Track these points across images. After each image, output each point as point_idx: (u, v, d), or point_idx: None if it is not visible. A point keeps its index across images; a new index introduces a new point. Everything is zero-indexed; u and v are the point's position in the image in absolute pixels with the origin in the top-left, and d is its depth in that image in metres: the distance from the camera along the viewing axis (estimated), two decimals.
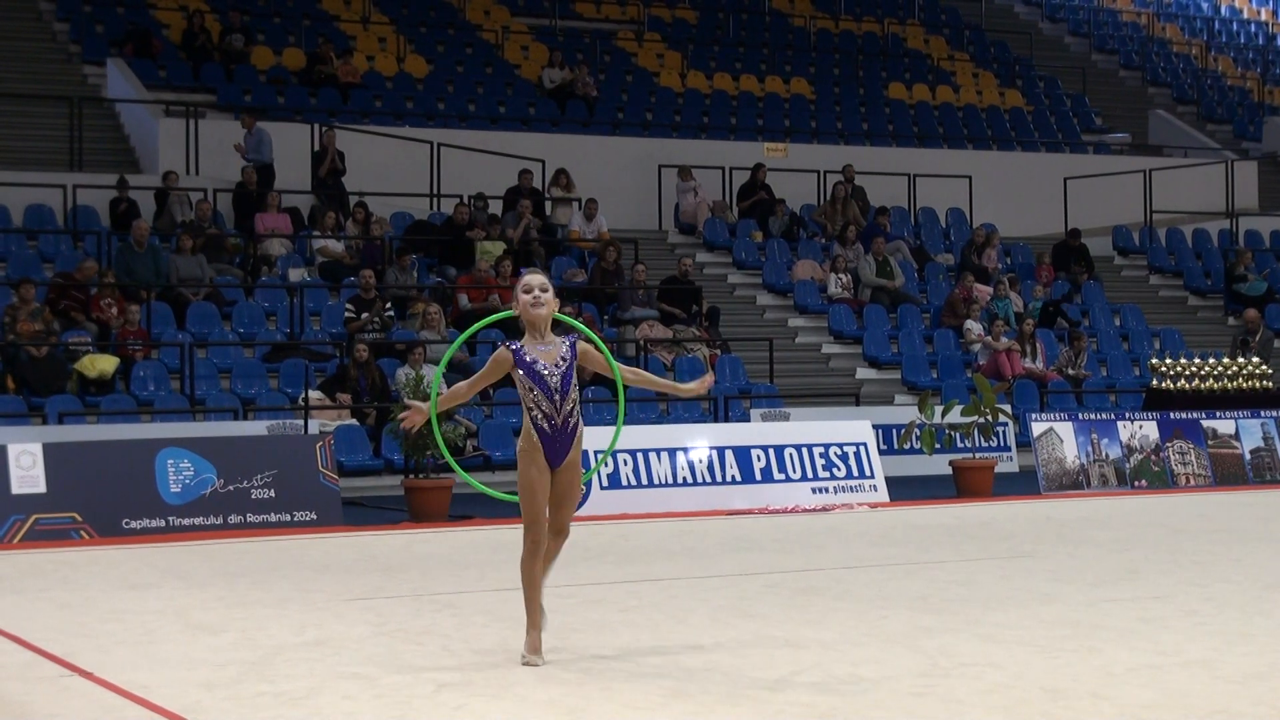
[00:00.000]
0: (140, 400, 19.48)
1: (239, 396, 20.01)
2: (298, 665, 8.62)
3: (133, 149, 26.69)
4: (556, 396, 8.65)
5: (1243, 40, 42.49)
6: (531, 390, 8.64)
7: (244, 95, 27.32)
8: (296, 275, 22.93)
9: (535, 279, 8.81)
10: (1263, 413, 21.15)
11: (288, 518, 16.26)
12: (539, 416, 8.63)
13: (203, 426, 18.46)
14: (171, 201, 23.79)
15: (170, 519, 15.77)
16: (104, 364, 19.50)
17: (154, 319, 20.95)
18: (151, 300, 21.09)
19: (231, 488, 16.14)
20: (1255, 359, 23.23)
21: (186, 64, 27.60)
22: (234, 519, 16.03)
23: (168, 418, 18.90)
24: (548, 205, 26.41)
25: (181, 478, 15.96)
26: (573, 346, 8.84)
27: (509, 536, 15.65)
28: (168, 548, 14.71)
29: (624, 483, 17.52)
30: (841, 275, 26.31)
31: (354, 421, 19.63)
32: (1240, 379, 22.56)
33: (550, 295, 8.82)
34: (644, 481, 17.67)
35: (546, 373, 8.64)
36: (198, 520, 15.90)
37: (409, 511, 16.93)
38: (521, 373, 8.63)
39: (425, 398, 17.60)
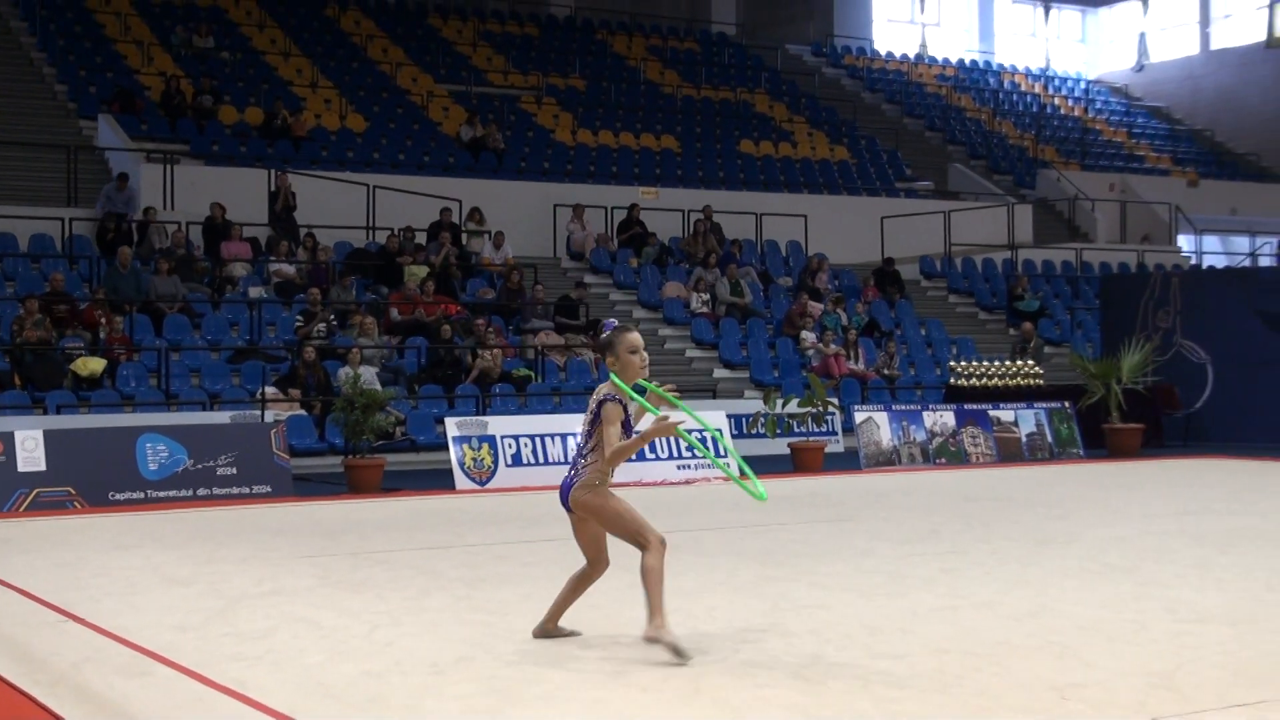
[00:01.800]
0: (124, 395, 19.35)
1: (207, 392, 19.94)
2: (256, 611, 8.59)
3: None
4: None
5: (1020, 109, 42.86)
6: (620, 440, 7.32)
7: (212, 145, 27.21)
8: (255, 292, 22.87)
9: (639, 337, 7.50)
10: (1035, 404, 21.35)
11: (247, 490, 16.24)
12: (614, 469, 7.45)
13: (176, 416, 18.30)
14: (151, 232, 23.68)
15: (149, 492, 15.74)
16: (94, 365, 19.41)
17: (136, 328, 20.85)
18: (134, 313, 20.99)
19: (200, 466, 16.12)
20: (1030, 362, 23.47)
21: (164, 119, 27.41)
22: (202, 492, 16.00)
23: (147, 409, 18.75)
24: (464, 236, 26.36)
25: (158, 458, 15.94)
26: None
27: (434, 504, 15.68)
28: (147, 516, 14.57)
29: (525, 461, 17.53)
30: (702, 294, 26.40)
31: (303, 412, 19.57)
32: (1019, 378, 22.78)
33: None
34: (541, 460, 17.67)
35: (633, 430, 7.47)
36: (171, 493, 15.86)
37: (348, 485, 16.86)
38: (623, 430, 7.33)
39: (362, 395, 17.60)
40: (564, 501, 7.66)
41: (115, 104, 27.60)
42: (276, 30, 32.87)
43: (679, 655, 6.90)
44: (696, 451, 8.96)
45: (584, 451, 7.52)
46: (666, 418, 7.15)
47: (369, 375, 19.61)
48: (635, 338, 7.46)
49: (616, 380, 7.31)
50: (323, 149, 28.22)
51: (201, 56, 30.83)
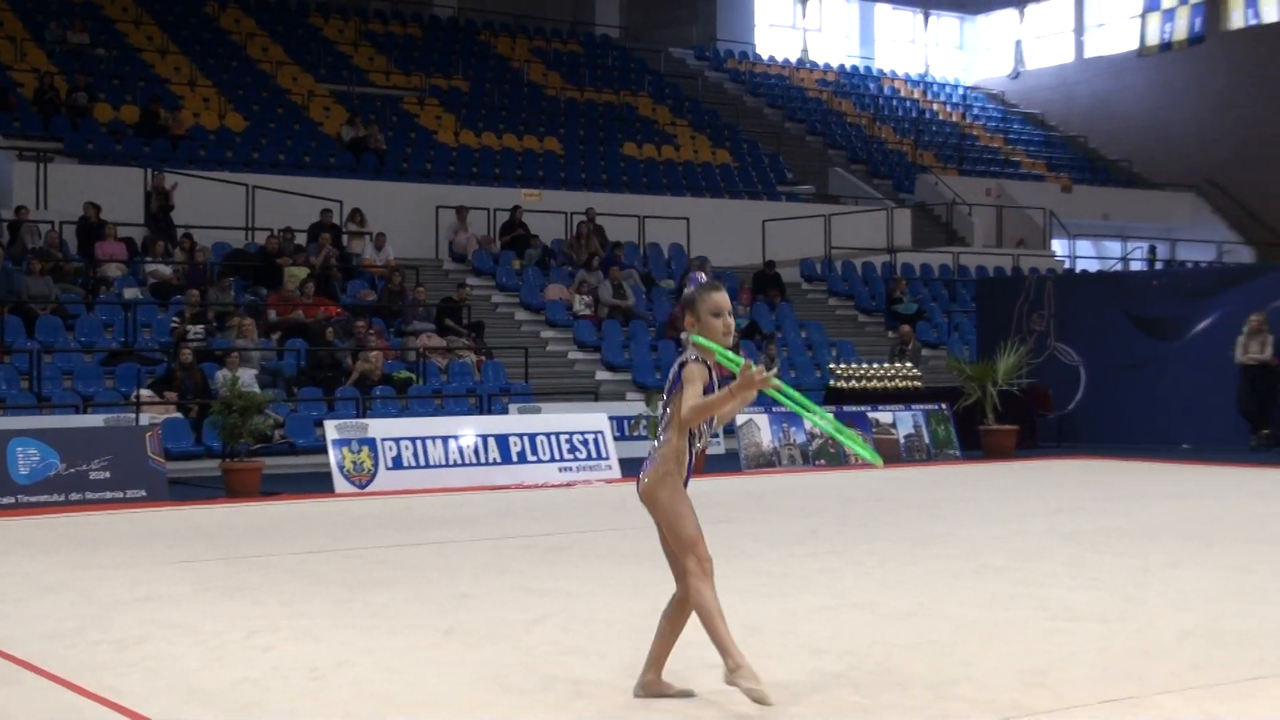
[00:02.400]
0: None
1: (80, 394, 19.59)
2: (130, 618, 8.46)
3: None
4: (709, 436, 6.83)
5: (900, 114, 43.21)
6: (698, 428, 6.61)
7: (87, 144, 26.81)
8: (131, 294, 22.50)
9: (725, 298, 6.50)
10: (913, 406, 21.51)
11: (121, 495, 15.92)
12: (691, 452, 6.69)
13: (48, 419, 18.03)
14: (24, 231, 23.28)
15: (19, 497, 15.44)
16: None
17: (7, 330, 20.43)
18: (5, 314, 20.56)
19: (73, 470, 15.81)
20: (908, 364, 23.64)
21: (38, 116, 26.97)
22: (75, 497, 15.70)
23: (18, 412, 18.47)
24: (345, 238, 26.18)
25: (29, 462, 15.62)
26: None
27: (313, 508, 15.56)
28: (17, 522, 14.34)
29: (405, 464, 17.42)
30: (585, 296, 26.37)
31: (179, 415, 19.32)
32: (897, 380, 22.91)
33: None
34: (422, 463, 17.56)
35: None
36: (43, 498, 15.58)
37: (226, 489, 16.64)
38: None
39: (240, 398, 17.42)
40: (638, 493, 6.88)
41: None
42: (153, 27, 32.48)
43: (760, 701, 5.98)
44: (802, 414, 7.06)
45: (660, 430, 6.74)
46: (753, 371, 6.14)
47: (247, 378, 19.40)
48: (720, 298, 6.49)
49: (699, 340, 6.46)
50: (201, 148, 27.89)
51: (76, 53, 30.37)
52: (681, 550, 6.59)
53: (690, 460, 6.69)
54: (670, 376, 6.61)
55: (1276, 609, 8.33)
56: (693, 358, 6.47)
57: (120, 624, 8.29)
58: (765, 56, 43.85)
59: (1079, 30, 44.75)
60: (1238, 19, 40.17)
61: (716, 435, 7.25)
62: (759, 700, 5.94)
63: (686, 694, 6.39)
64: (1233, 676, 6.61)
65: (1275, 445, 21.25)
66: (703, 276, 6.63)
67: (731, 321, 6.45)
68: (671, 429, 6.60)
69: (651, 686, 6.40)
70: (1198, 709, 6.03)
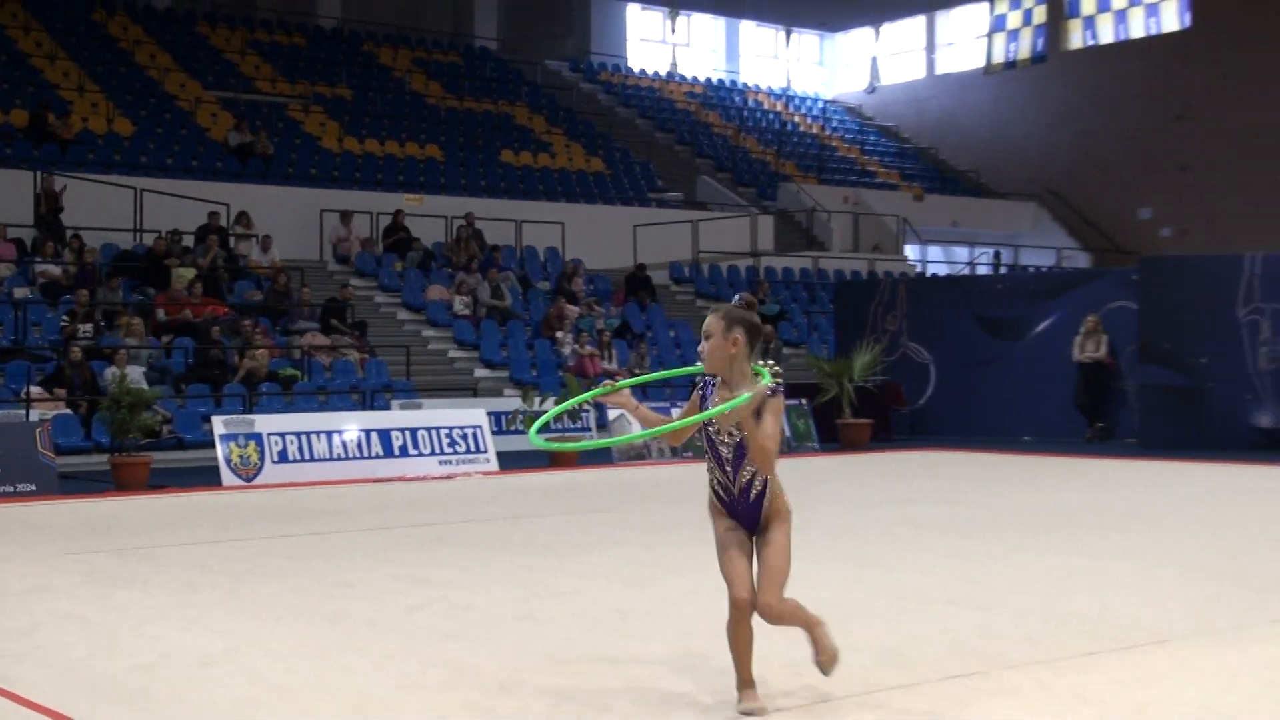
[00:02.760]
0: None
1: None
2: (20, 607, 8.35)
3: None
4: (729, 468, 6.06)
5: (763, 125, 43.42)
6: (706, 451, 6.11)
7: None
8: (21, 293, 22.12)
9: (710, 322, 6.04)
10: None
11: (11, 489, 15.62)
12: (714, 482, 6.14)
13: None
14: None
15: None
16: None
17: None
18: None
19: None
20: (770, 361, 23.65)
21: None
22: None
23: None
24: (232, 240, 25.91)
25: None
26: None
27: (200, 501, 15.41)
28: None
29: (291, 458, 17.28)
30: (464, 297, 26.30)
31: (69, 411, 19.01)
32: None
33: (717, 339, 6.04)
34: (307, 457, 17.42)
35: (718, 437, 6.01)
36: None
37: (115, 483, 16.41)
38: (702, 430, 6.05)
39: (128, 394, 17.20)
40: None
41: None
42: (42, 33, 31.97)
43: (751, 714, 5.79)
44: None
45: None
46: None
47: (135, 375, 19.20)
48: (708, 321, 6.06)
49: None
50: (90, 152, 27.47)
51: None
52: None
53: (723, 503, 6.21)
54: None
55: (1108, 591, 8.46)
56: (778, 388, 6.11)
57: (10, 614, 8.16)
58: (636, 69, 43.93)
59: (930, 48, 45.19)
60: (1077, 40, 40.74)
61: (750, 483, 6.10)
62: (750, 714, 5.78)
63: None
64: (1067, 652, 6.74)
65: (1108, 438, 21.61)
66: (741, 296, 6.26)
67: (706, 347, 6.10)
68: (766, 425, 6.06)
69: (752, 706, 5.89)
70: (1035, 682, 6.16)
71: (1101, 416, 21.74)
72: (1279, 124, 35.33)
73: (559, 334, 25.63)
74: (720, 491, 6.10)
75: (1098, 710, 5.71)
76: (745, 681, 5.90)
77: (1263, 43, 35.91)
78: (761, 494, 6.12)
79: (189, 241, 25.11)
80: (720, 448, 6.02)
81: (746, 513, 6.13)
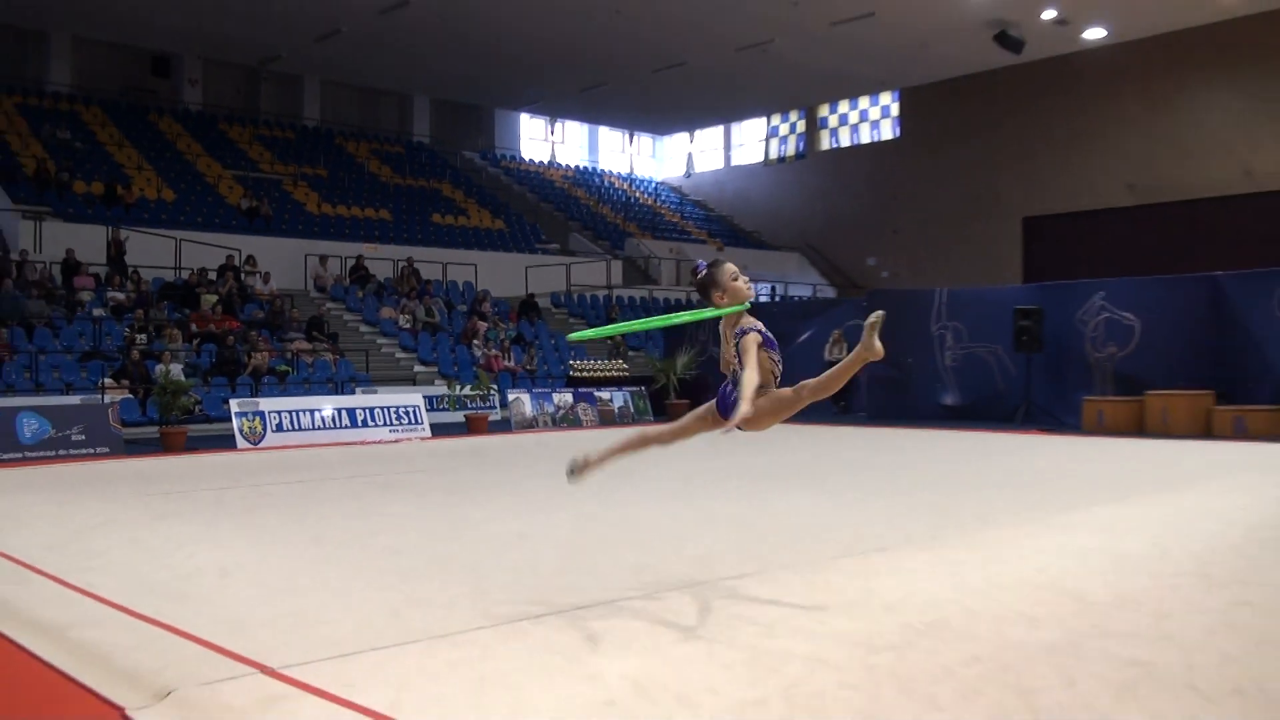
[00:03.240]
0: (7, 385, 18.25)
1: (64, 382, 18.84)
2: (98, 535, 8.21)
3: None
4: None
5: (615, 198, 43.48)
6: (774, 357, 5.80)
7: (68, 209, 25.96)
8: (98, 313, 21.74)
9: (734, 266, 5.74)
10: (623, 388, 21.76)
11: (92, 451, 15.66)
12: (776, 375, 5.83)
13: (43, 399, 17.33)
14: (25, 269, 22.35)
15: (25, 454, 15.15)
16: None
17: (14, 337, 19.73)
18: (12, 326, 19.89)
19: (60, 434, 15.57)
20: (620, 361, 23.90)
21: (35, 189, 26.16)
22: (61, 453, 15.46)
23: (22, 394, 17.75)
24: (242, 275, 25.51)
25: (30, 429, 15.41)
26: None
27: (222, 459, 15.22)
28: (21, 471, 14.02)
29: (285, 428, 17.15)
30: (406, 316, 26.14)
31: (131, 396, 18.73)
32: (613, 371, 23.16)
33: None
34: (297, 428, 17.29)
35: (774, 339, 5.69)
36: (40, 454, 15.27)
37: (163, 446, 16.36)
38: (768, 347, 5.74)
39: (171, 384, 16.91)
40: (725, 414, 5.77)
41: (1, 177, 26.16)
42: (114, 129, 31.25)
43: (572, 474, 5.87)
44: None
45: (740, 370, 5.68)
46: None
47: (176, 370, 18.92)
48: (732, 266, 5.67)
49: (719, 310, 5.66)
50: (145, 213, 27.03)
51: (62, 145, 29.11)
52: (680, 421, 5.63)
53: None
54: (736, 344, 5.70)
55: (850, 515, 8.57)
56: (750, 327, 5.65)
57: (92, 539, 8.05)
58: (527, 158, 43.73)
59: (727, 147, 45.49)
60: (825, 144, 41.24)
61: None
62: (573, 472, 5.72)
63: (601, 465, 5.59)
64: (821, 557, 6.86)
65: (848, 412, 21.99)
66: (703, 262, 5.63)
67: (748, 280, 5.57)
68: (746, 369, 5.55)
69: (589, 463, 5.85)
70: (800, 578, 6.27)
71: (844, 398, 22.12)
72: (958, 202, 36.12)
73: (474, 341, 25.55)
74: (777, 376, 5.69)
75: (837, 593, 5.83)
76: (601, 463, 5.73)
77: (948, 149, 36.70)
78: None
79: (213, 276, 24.76)
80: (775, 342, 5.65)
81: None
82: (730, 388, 5.73)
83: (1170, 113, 31.83)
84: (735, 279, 5.54)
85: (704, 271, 5.56)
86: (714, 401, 5.87)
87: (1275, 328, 17.04)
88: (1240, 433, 16.32)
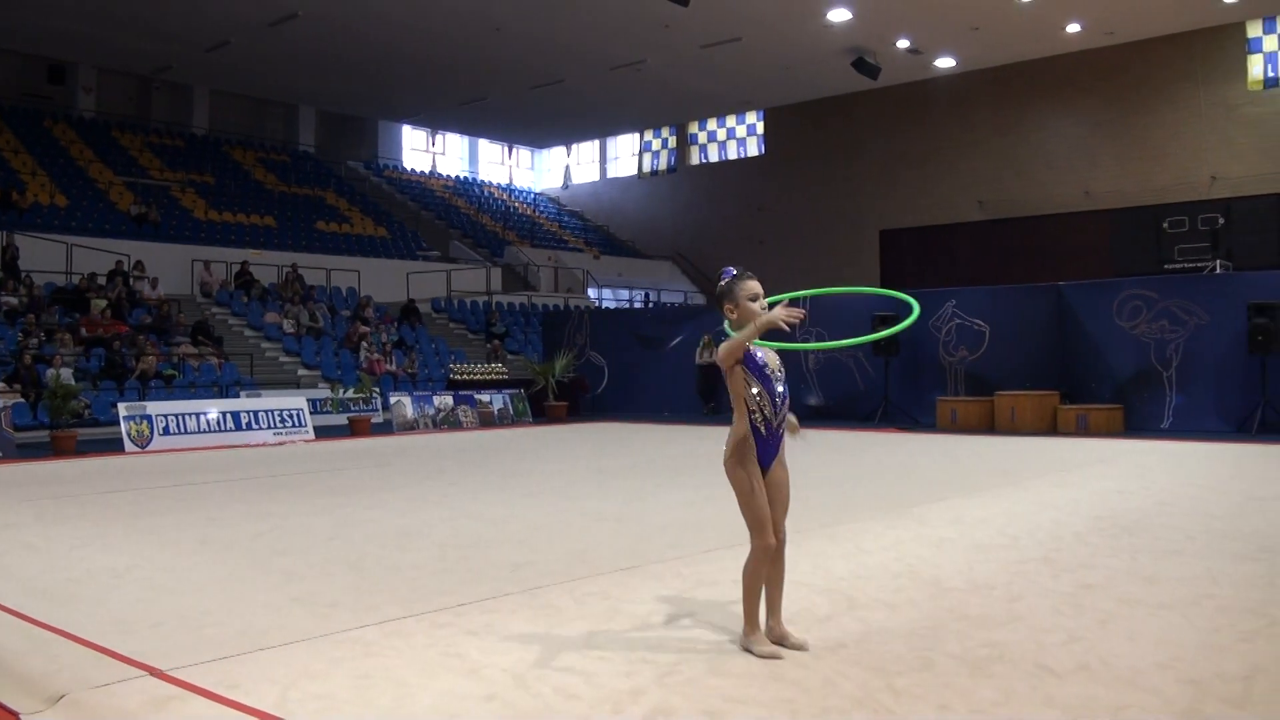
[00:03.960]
0: None
1: None
2: None
3: None
4: (779, 400, 4.72)
5: (494, 208, 43.22)
6: (757, 390, 4.68)
7: None
8: None
9: (758, 284, 4.77)
10: (503, 390, 21.61)
11: None
12: (759, 419, 4.69)
13: None
14: None
15: None
16: None
17: None
18: None
19: None
20: (499, 364, 23.72)
21: None
22: None
23: None
24: (131, 280, 24.73)
25: None
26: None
27: (111, 462, 14.69)
28: None
29: (172, 431, 16.59)
30: (291, 320, 25.62)
31: (22, 399, 17.87)
32: (492, 374, 22.99)
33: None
34: (183, 431, 16.75)
35: (773, 375, 4.71)
36: None
37: (53, 450, 15.72)
38: (749, 370, 4.68)
39: (61, 388, 16.34)
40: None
41: None
42: (10, 134, 30.07)
43: (771, 657, 4.57)
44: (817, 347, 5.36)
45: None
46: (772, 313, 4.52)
47: (66, 374, 18.28)
48: (754, 285, 4.75)
49: (730, 332, 4.73)
50: (38, 218, 26.06)
51: None
52: (749, 528, 4.67)
53: (759, 439, 4.72)
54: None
55: (719, 510, 8.52)
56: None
57: None
58: (409, 168, 43.22)
59: (603, 160, 45.53)
60: (696, 159, 41.54)
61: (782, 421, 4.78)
62: (769, 657, 4.54)
63: (801, 646, 4.66)
64: (693, 551, 6.87)
65: (717, 413, 22.14)
66: (733, 270, 4.87)
67: (766, 303, 4.74)
68: (736, 412, 4.75)
69: (773, 632, 4.73)
70: (673, 571, 6.28)
71: (713, 399, 22.28)
72: (817, 215, 36.67)
73: (364, 344, 25.16)
74: (763, 428, 4.70)
75: (710, 586, 5.86)
76: (751, 616, 4.69)
77: (810, 166, 37.26)
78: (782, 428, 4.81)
79: (103, 281, 24.00)
80: (774, 382, 4.71)
81: (774, 445, 4.77)
82: (771, 434, 4.76)
83: (1016, 136, 32.76)
84: (754, 299, 4.69)
85: (725, 281, 4.83)
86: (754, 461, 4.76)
87: (1114, 333, 17.63)
88: (1083, 429, 16.83)
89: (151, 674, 4.43)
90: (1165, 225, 29.85)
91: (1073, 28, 29.02)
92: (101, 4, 27.63)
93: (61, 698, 4.18)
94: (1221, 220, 28.86)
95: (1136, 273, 27.36)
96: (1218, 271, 24.59)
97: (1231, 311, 16.57)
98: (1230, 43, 28.94)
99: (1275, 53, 28.51)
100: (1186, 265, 28.74)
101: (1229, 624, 4.97)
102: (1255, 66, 28.72)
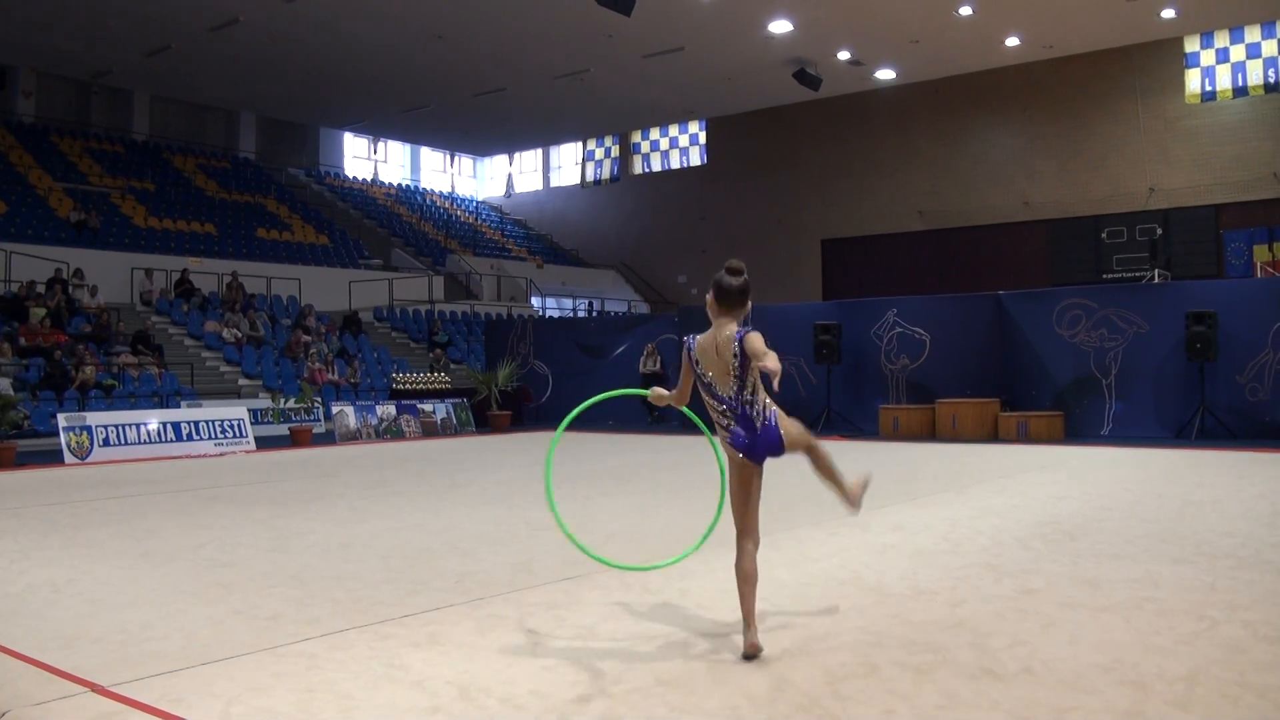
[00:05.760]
0: None
1: None
2: None
3: None
4: (734, 400, 4.63)
5: (437, 216, 43.04)
6: (696, 374, 4.73)
7: None
8: None
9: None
10: (446, 399, 21.50)
11: None
12: (726, 425, 4.69)
13: None
14: None
15: None
16: None
17: None
18: None
19: None
20: (442, 374, 23.63)
21: None
22: None
23: None
24: (70, 288, 24.34)
25: None
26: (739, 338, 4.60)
27: (50, 474, 14.45)
28: None
29: (112, 443, 16.34)
30: (232, 329, 25.35)
31: None
32: (435, 383, 22.88)
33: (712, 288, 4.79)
34: (123, 442, 16.50)
35: (701, 367, 4.69)
36: None
37: None
38: (690, 362, 4.73)
39: (0, 398, 16.03)
40: (764, 453, 4.68)
41: None
42: None
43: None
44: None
45: (745, 399, 4.65)
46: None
47: (4, 384, 17.99)
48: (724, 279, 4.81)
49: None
50: None
51: None
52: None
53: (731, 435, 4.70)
54: (733, 351, 4.65)
55: (661, 518, 8.61)
56: (743, 333, 4.62)
57: None
58: (351, 176, 42.95)
59: (546, 169, 45.50)
60: (639, 168, 41.61)
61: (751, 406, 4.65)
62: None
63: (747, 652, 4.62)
64: (636, 560, 6.85)
65: (661, 421, 22.16)
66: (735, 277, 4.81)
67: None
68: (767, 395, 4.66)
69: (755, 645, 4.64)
70: (618, 580, 6.26)
71: (656, 409, 22.28)
72: (762, 225, 36.86)
73: (310, 353, 24.93)
74: (721, 421, 4.72)
75: (654, 595, 5.87)
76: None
77: (752, 175, 37.46)
78: (765, 415, 4.66)
79: (42, 289, 23.63)
80: (716, 386, 4.68)
81: (757, 439, 4.66)
82: (745, 424, 4.69)
83: (956, 147, 33.13)
84: (718, 292, 4.74)
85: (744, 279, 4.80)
86: (738, 457, 4.74)
87: (1053, 341, 17.86)
88: (1023, 436, 17.03)
89: (93, 690, 4.36)
90: (1104, 235, 30.31)
91: (1012, 41, 29.42)
92: (41, 7, 27.20)
93: (3, 715, 4.11)
94: (1159, 230, 29.36)
95: (1076, 282, 27.76)
96: (1156, 281, 25.02)
97: (1170, 320, 16.85)
98: (1168, 57, 29.47)
99: (1213, 67, 29.07)
100: (1125, 275, 29.21)
101: (1169, 626, 5.06)
102: (1193, 80, 29.27)
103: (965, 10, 26.87)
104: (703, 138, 39.58)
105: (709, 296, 4.85)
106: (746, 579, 4.70)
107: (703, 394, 4.81)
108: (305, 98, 36.33)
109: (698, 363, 4.80)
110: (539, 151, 45.53)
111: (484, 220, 44.81)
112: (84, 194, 30.16)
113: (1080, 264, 30.50)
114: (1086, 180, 30.77)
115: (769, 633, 5.04)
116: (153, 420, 17.30)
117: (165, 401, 20.58)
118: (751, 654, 4.62)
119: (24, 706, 4.17)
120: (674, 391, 5.05)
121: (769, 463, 4.87)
